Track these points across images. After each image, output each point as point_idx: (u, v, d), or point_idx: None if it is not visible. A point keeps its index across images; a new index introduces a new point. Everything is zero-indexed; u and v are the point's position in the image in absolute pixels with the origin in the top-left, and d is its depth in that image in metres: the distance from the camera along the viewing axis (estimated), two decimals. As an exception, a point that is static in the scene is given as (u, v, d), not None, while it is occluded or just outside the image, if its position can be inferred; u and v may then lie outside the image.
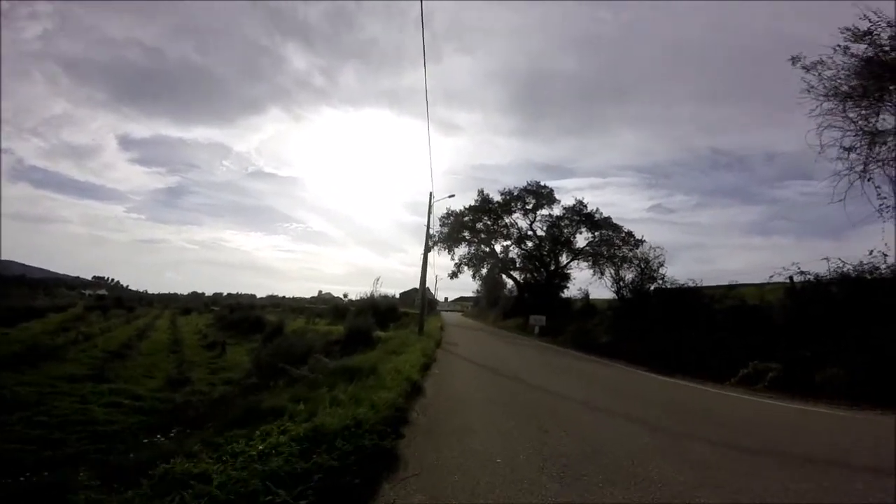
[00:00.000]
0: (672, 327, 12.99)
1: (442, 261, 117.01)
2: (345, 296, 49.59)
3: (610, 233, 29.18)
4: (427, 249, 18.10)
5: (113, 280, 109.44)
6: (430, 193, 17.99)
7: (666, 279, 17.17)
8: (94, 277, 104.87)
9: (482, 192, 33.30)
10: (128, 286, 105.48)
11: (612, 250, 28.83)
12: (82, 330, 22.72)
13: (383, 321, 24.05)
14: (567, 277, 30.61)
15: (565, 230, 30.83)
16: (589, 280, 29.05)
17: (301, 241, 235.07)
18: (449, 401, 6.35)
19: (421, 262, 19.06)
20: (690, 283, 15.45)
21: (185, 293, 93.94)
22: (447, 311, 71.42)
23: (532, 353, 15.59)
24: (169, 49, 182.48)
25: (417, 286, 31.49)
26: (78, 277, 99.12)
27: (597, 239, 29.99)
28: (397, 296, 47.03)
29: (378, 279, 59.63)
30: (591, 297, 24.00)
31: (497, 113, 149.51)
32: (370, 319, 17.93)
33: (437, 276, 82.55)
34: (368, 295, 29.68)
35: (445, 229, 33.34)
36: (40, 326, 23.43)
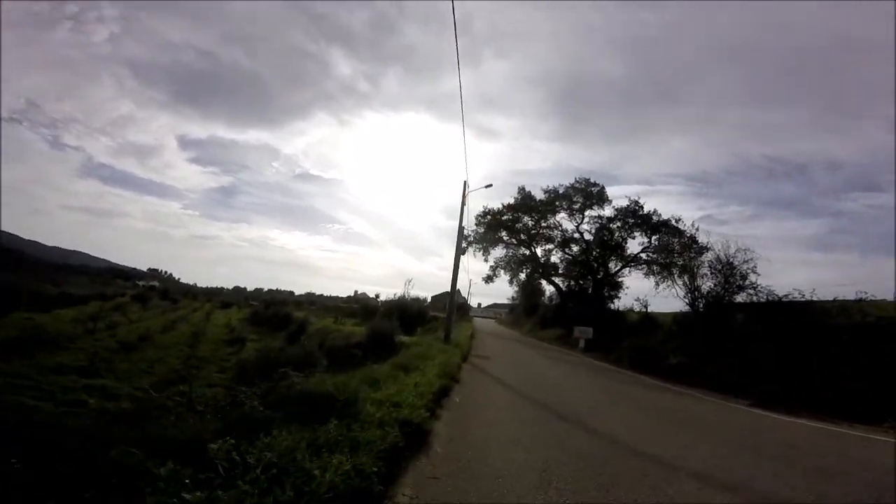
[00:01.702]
0: (773, 348, 10.07)
1: (477, 266, 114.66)
2: (377, 296, 48.39)
3: (669, 238, 25.70)
4: (459, 246, 15.96)
5: (167, 273, 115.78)
6: (465, 182, 15.80)
7: (759, 289, 13.85)
8: (149, 269, 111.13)
9: (523, 189, 30.55)
10: (180, 279, 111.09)
11: (671, 258, 25.39)
12: (108, 319, 22.56)
13: (411, 325, 22.25)
14: (618, 286, 27.29)
15: (616, 234, 27.60)
16: (647, 290, 25.75)
17: (342, 241, 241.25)
18: (468, 476, 3.65)
19: (455, 266, 16.97)
20: (796, 295, 12.29)
21: (230, 288, 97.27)
22: (480, 317, 68.92)
23: (586, 375, 12.81)
24: (221, 53, 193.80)
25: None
26: (135, 269, 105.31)
27: (653, 244, 26.57)
28: (429, 299, 45.15)
29: (409, 280, 57.62)
30: (649, 309, 20.81)
31: (536, 118, 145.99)
32: (394, 322, 16.04)
33: (471, 281, 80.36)
34: (399, 296, 28.08)
35: (481, 229, 30.86)
36: (73, 314, 23.46)
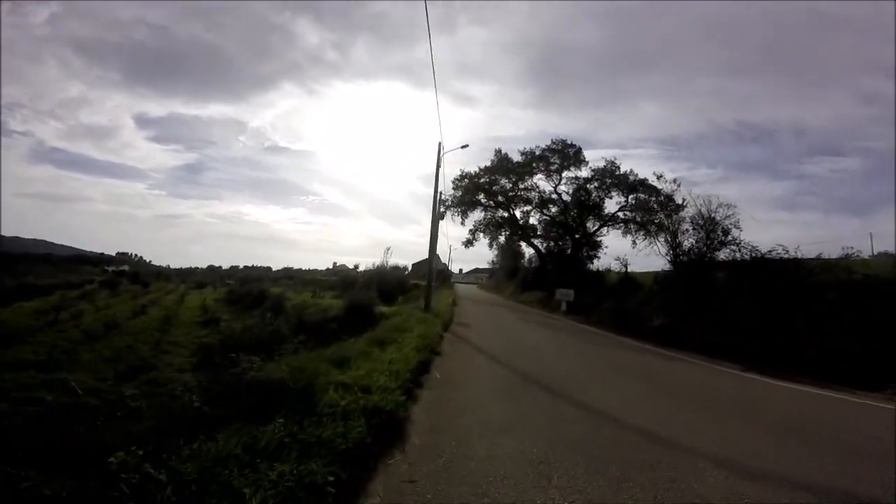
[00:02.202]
0: (757, 307, 10.14)
1: (457, 232, 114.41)
2: (355, 267, 47.56)
3: (647, 196, 25.77)
4: (436, 210, 15.43)
5: (137, 256, 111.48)
6: (440, 144, 15.02)
7: (742, 245, 13.53)
8: (117, 253, 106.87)
9: (499, 151, 29.89)
10: (151, 261, 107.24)
11: (648, 215, 25.55)
12: (74, 309, 21.44)
13: (391, 294, 21.97)
14: (597, 246, 27.46)
15: (594, 194, 27.51)
16: (626, 250, 25.90)
17: (317, 213, 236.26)
18: (452, 476, 3.18)
19: (432, 231, 16.46)
20: (781, 252, 12.00)
21: (205, 267, 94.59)
22: (462, 283, 69.43)
23: (569, 339, 12.51)
24: (177, 28, 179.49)
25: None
26: (103, 254, 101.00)
27: (630, 203, 26.64)
28: (409, 267, 44.84)
29: (388, 249, 55.92)
30: (629, 269, 20.88)
31: (513, 85, 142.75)
32: (372, 293, 15.68)
33: (451, 247, 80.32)
34: (378, 266, 27.61)
35: (459, 192, 30.33)
36: (36, 305, 22.16)
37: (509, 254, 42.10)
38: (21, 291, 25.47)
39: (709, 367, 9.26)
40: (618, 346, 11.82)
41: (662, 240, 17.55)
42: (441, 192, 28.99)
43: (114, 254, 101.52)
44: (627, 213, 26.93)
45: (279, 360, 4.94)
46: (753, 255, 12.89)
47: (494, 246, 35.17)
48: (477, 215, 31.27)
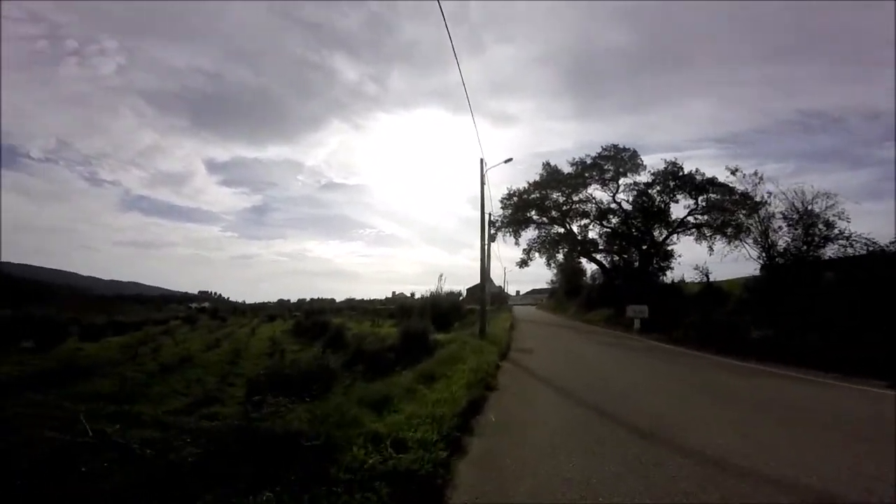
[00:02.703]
0: (883, 311, 8.24)
1: (511, 253, 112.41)
2: (412, 295, 47.91)
3: (718, 196, 23.24)
4: (484, 227, 14.72)
5: (216, 294, 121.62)
6: (482, 160, 14.44)
7: (853, 239, 11.47)
8: (199, 292, 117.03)
9: (548, 163, 28.70)
10: (228, 298, 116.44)
11: (722, 218, 22.98)
12: (155, 343, 23.15)
13: (447, 321, 21.35)
14: (669, 256, 25.00)
15: (657, 199, 25.34)
16: (704, 258, 23.19)
17: (375, 245, 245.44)
18: None
19: (482, 253, 15.75)
20: None
21: (275, 301, 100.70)
22: (519, 304, 67.24)
23: (652, 362, 10.54)
24: (227, 73, 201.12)
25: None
26: (186, 293, 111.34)
27: (701, 206, 24.14)
28: (464, 292, 44.09)
29: (441, 276, 56.88)
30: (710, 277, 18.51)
31: (549, 98, 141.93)
32: (426, 321, 15.15)
33: (505, 269, 78.72)
34: (433, 293, 27.25)
35: (508, 211, 29.30)
36: (122, 340, 24.27)
37: (569, 271, 40.03)
38: (111, 328, 28.13)
39: (841, 386, 7.51)
40: (715, 367, 9.88)
41: (751, 241, 15.19)
42: (490, 214, 28.40)
43: (196, 292, 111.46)
44: (698, 216, 24.41)
45: (313, 401, 4.38)
46: (870, 248, 10.70)
47: (553, 264, 33.40)
48: (530, 234, 30.13)
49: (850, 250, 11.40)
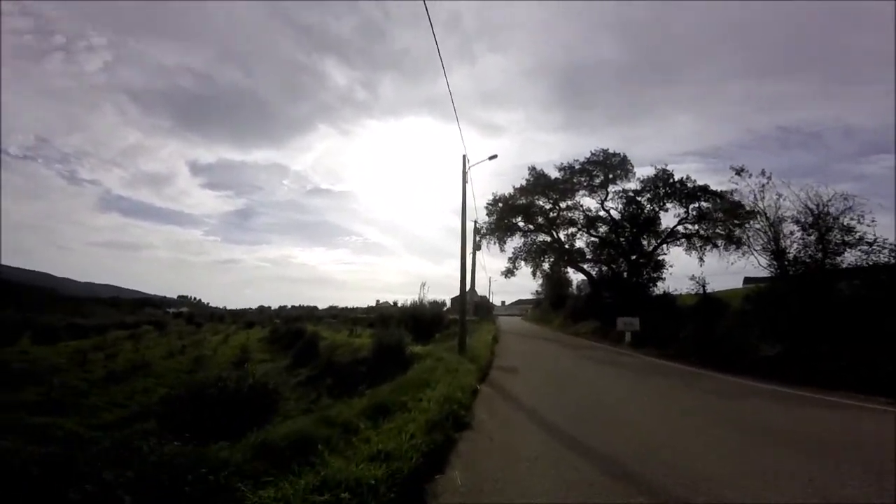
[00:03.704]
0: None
1: (497, 263, 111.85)
2: (394, 304, 46.67)
3: (709, 205, 22.75)
4: (465, 231, 13.72)
5: (196, 298, 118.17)
6: (464, 157, 13.33)
7: (878, 244, 10.56)
8: (178, 296, 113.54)
9: (534, 168, 27.66)
10: (209, 303, 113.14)
11: (713, 228, 22.49)
12: (114, 349, 21.55)
13: (428, 331, 20.24)
14: (660, 266, 24.10)
15: (647, 207, 24.73)
16: (697, 268, 22.27)
17: (360, 252, 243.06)
18: None
19: (465, 261, 14.71)
20: None
21: (255, 308, 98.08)
22: (504, 315, 66.16)
23: (653, 384, 9.15)
24: (217, 74, 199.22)
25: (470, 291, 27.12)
26: (165, 297, 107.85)
27: (690, 215, 23.59)
28: (448, 302, 42.92)
29: (423, 284, 55.73)
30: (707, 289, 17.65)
31: (538, 109, 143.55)
32: (403, 331, 14.04)
33: (490, 279, 77.73)
34: (413, 302, 26.12)
35: (493, 217, 28.39)
36: (78, 344, 22.55)
37: (555, 281, 39.23)
38: (71, 331, 26.32)
39: (880, 409, 6.55)
40: (727, 390, 8.38)
41: (759, 246, 14.02)
42: (475, 221, 27.45)
43: (175, 297, 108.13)
44: (689, 226, 23.85)
45: (209, 442, 3.17)
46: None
47: (538, 274, 32.41)
48: (516, 242, 29.12)
49: (872, 258, 10.55)
